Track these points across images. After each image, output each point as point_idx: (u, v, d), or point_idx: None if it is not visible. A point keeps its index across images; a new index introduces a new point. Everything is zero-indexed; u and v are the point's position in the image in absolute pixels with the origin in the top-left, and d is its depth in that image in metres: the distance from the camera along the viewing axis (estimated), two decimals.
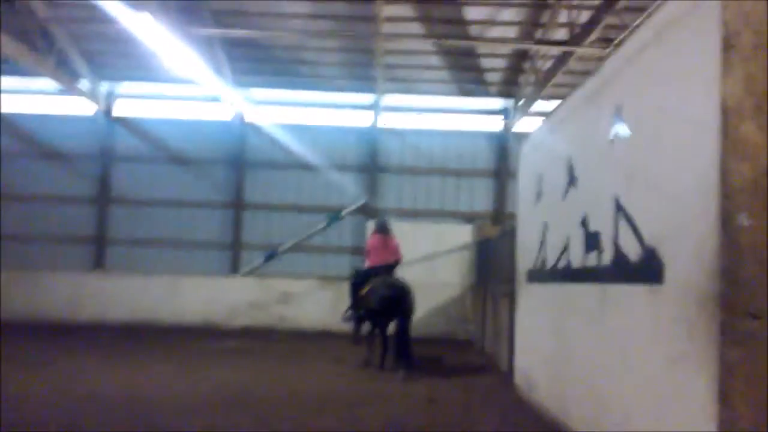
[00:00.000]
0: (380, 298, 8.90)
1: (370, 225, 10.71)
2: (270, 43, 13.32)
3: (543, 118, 14.31)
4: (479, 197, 15.10)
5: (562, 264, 5.79)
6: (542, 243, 6.53)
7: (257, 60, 14.09)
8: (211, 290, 14.47)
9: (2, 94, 14.38)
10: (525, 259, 7.36)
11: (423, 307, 13.03)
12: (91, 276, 14.66)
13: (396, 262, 10.02)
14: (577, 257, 5.34)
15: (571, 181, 5.60)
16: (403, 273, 10.11)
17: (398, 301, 8.87)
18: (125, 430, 5.42)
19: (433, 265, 13.63)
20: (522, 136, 9.07)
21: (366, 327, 9.79)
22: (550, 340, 6.18)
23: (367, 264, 10.15)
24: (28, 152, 15.14)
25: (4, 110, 14.77)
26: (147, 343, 11.49)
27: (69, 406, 6.34)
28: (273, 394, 7.23)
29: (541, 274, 6.61)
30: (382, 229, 10.21)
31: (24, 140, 15.17)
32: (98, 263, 14.95)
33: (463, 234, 14.00)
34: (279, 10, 12.09)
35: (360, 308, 9.59)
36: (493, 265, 10.63)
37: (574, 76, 12.62)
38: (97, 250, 15.00)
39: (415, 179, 15.15)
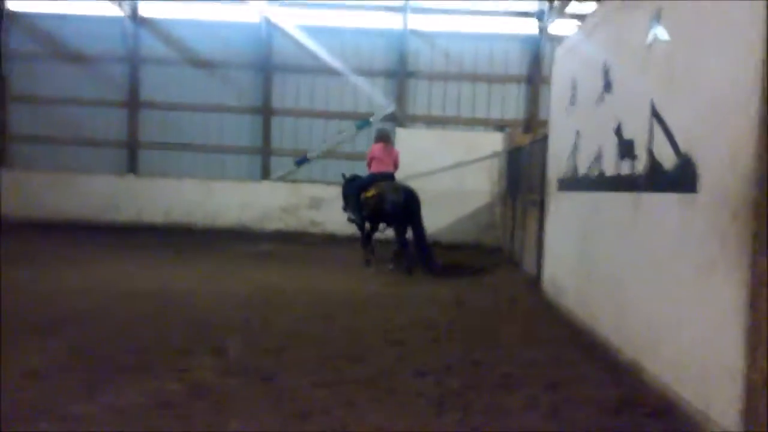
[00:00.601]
0: (390, 201, 9.32)
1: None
2: None
3: (579, 20, 13.90)
4: (511, 104, 14.81)
5: (594, 172, 5.75)
6: (574, 151, 6.47)
7: None
8: (243, 194, 14.73)
9: None
10: (556, 167, 7.31)
11: (452, 214, 13.23)
12: (125, 179, 14.94)
13: (395, 170, 10.32)
14: (610, 165, 5.29)
15: (606, 86, 5.47)
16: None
17: (406, 204, 9.30)
18: (162, 323, 5.66)
19: (463, 173, 13.59)
20: (556, 40, 8.79)
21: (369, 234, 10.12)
22: (580, 247, 6.22)
23: (369, 171, 10.28)
24: (57, 54, 15.06)
25: (30, 9, 14.73)
26: (182, 245, 11.83)
27: (106, 300, 6.61)
28: (305, 295, 7.45)
29: (572, 183, 6.58)
30: (384, 138, 10.40)
31: (50, 42, 15.06)
32: (131, 167, 15.18)
33: (494, 142, 13.83)
34: None
35: (364, 210, 9.90)
36: (523, 174, 10.58)
37: None
38: (130, 154, 15.20)
39: (445, 85, 14.87)
